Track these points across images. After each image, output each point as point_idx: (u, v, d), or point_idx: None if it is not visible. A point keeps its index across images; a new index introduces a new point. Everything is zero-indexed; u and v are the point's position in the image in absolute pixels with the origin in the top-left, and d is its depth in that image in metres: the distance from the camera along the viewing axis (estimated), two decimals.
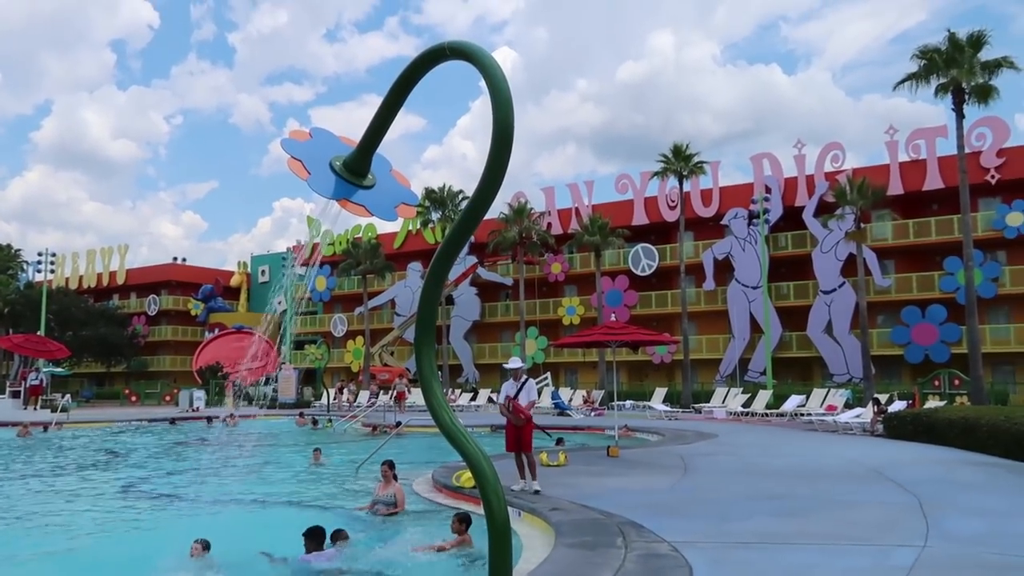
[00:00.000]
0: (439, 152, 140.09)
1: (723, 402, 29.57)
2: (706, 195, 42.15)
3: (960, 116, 26.16)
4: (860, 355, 30.48)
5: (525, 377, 10.53)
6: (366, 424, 26.02)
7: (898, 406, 22.21)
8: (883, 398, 23.49)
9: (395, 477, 10.38)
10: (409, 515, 9.94)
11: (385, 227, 52.85)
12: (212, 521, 8.34)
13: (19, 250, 64.47)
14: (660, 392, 32.58)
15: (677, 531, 7.31)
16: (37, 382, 34.99)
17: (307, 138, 4.57)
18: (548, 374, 34.53)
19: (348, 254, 49.41)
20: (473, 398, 36.20)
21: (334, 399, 33.91)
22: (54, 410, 30.18)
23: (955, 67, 25.35)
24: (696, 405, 31.44)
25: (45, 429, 25.31)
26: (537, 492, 9.74)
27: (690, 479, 11.30)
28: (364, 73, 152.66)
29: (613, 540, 7.07)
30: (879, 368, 34.00)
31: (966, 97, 25.69)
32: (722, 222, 41.29)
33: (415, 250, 52.20)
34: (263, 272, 67.84)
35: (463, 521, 7.83)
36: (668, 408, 29.92)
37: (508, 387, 10.52)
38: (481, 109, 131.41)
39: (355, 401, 34.63)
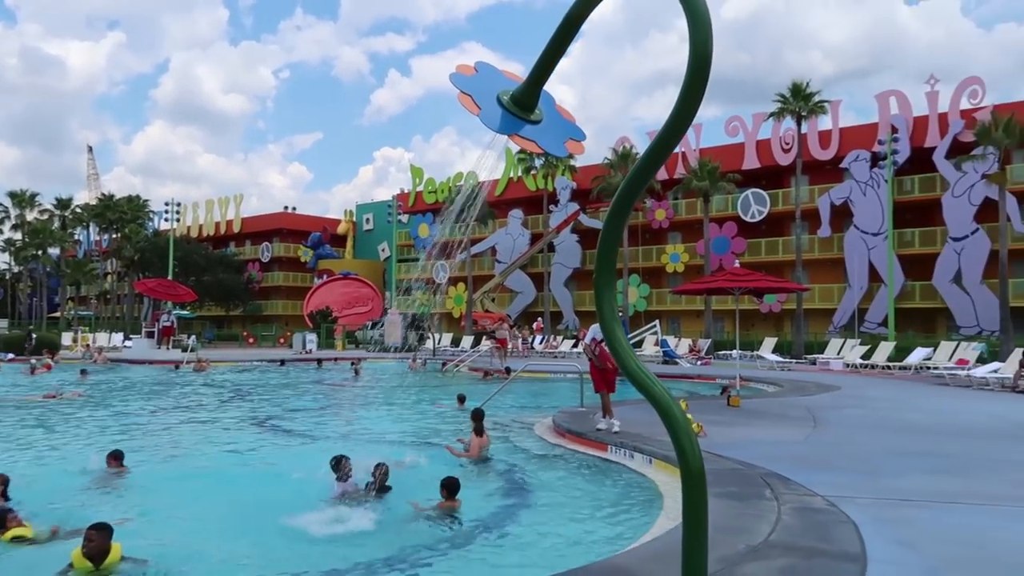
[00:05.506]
0: None
1: (839, 353, 28.30)
2: (824, 137, 39.98)
3: None
4: (993, 306, 28.47)
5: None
6: (473, 369, 26.47)
7: None
8: None
9: (479, 429, 10.09)
10: (482, 462, 9.67)
11: (485, 174, 52.89)
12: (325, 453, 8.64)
13: (147, 200, 68.17)
14: (769, 342, 31.51)
15: (828, 485, 6.99)
16: (168, 323, 37.42)
17: (473, 73, 4.40)
18: (657, 322, 34.01)
19: (450, 201, 49.78)
20: (575, 344, 36.14)
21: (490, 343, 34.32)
22: (183, 350, 32.13)
23: None
24: (810, 356, 30.28)
25: (177, 367, 26.97)
26: (617, 432, 10.25)
27: (823, 432, 10.85)
28: (464, 21, 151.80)
29: (761, 492, 6.83)
30: (1015, 320, 31.70)
31: None
32: (841, 165, 39.16)
33: (516, 197, 52.08)
34: (367, 220, 69.55)
35: (445, 487, 7.39)
36: (780, 358, 28.95)
37: (595, 330, 10.84)
38: (578, 54, 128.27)
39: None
